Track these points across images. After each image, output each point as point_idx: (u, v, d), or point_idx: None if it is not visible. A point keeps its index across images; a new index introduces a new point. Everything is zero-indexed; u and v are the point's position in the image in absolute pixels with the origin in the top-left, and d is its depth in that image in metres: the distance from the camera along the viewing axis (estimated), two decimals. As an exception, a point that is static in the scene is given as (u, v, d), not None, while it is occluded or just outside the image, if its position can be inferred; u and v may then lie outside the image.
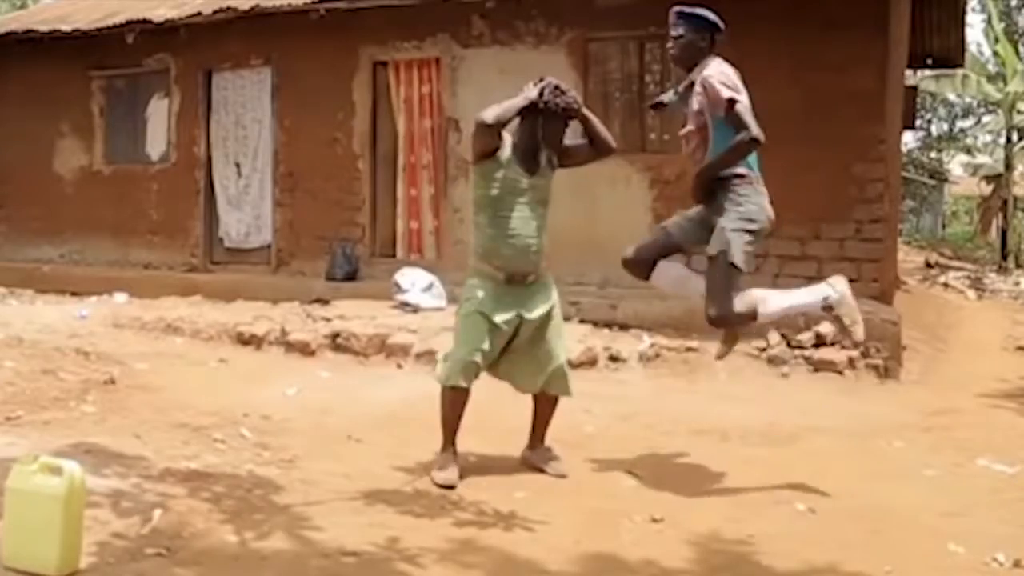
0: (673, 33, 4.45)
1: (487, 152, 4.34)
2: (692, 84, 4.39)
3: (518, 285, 4.39)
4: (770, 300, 4.41)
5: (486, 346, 4.34)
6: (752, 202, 4.27)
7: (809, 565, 3.44)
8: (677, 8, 4.49)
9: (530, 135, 4.37)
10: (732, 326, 4.49)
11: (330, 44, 9.60)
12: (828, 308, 4.37)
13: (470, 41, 9.12)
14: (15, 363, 6.31)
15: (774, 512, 4.02)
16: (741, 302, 4.30)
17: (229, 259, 10.50)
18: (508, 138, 4.39)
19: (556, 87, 4.35)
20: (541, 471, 4.51)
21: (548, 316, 4.47)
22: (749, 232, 4.26)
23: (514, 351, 4.47)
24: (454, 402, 4.44)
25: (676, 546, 3.61)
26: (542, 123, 4.34)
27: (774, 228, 4.47)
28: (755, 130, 4.16)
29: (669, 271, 4.61)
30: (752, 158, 4.32)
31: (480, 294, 4.38)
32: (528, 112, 4.33)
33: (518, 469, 4.54)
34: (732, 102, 4.18)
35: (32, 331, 7.77)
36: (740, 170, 4.27)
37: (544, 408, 4.61)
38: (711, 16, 4.44)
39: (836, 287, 4.37)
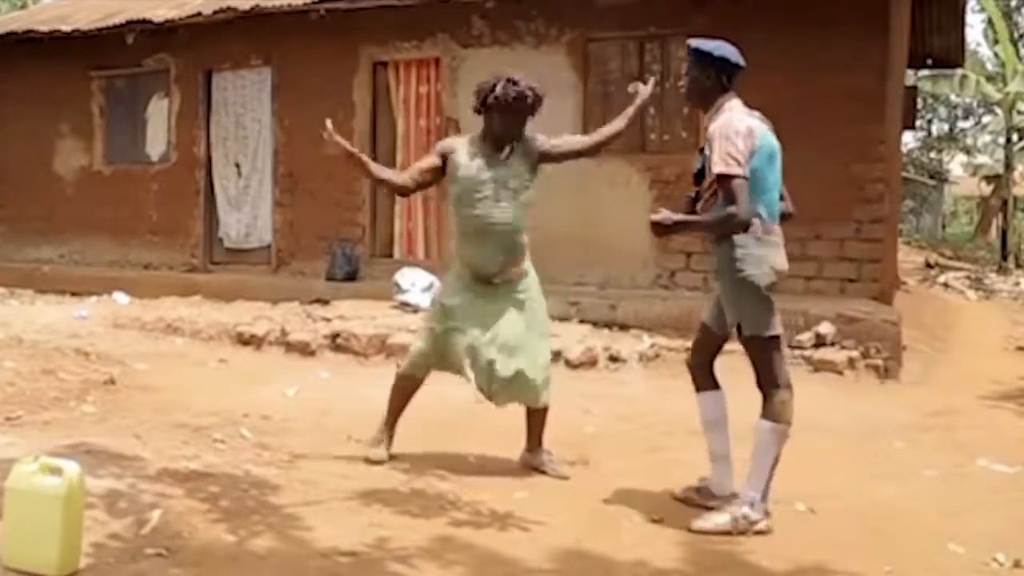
0: (684, 69, 4.07)
1: (436, 170, 4.52)
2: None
3: (484, 285, 4.46)
4: (772, 446, 3.90)
5: (442, 340, 4.45)
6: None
7: (808, 565, 3.44)
8: (688, 41, 4.08)
9: (489, 133, 4.48)
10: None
11: (330, 44, 9.60)
12: (744, 501, 3.81)
13: (470, 41, 9.12)
14: (15, 363, 6.31)
15: (774, 512, 4.01)
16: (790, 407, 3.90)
17: (229, 259, 10.51)
18: (460, 142, 4.55)
19: (509, 80, 4.41)
20: (543, 473, 4.52)
21: (521, 325, 4.45)
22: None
23: (489, 357, 4.42)
24: (399, 387, 4.64)
25: (676, 546, 3.61)
26: (496, 117, 4.43)
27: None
28: (744, 210, 3.74)
29: (709, 406, 4.19)
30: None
31: (450, 293, 4.53)
32: (484, 107, 4.44)
33: (517, 470, 4.54)
34: (720, 177, 3.76)
35: (32, 331, 7.77)
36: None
37: (535, 412, 4.60)
38: (718, 51, 3.92)
39: (759, 511, 3.78)
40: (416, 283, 8.37)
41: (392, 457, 4.60)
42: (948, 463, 4.80)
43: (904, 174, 18.87)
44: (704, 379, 4.23)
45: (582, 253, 8.54)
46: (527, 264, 4.61)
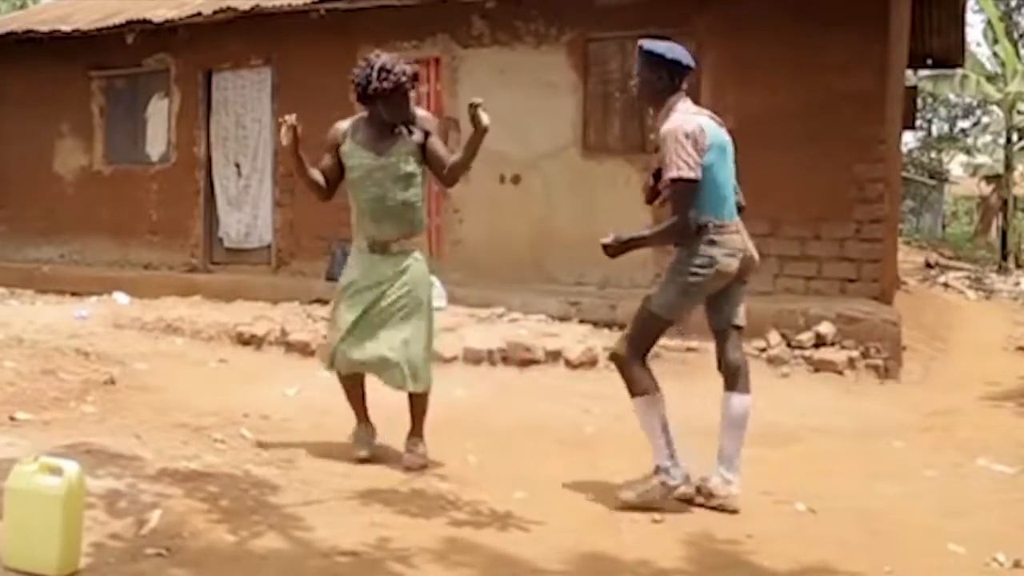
0: (635, 69, 4.14)
1: (334, 163, 4.60)
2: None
3: (381, 254, 4.53)
4: (650, 415, 4.05)
5: (351, 326, 4.53)
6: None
7: (809, 565, 3.44)
8: (639, 42, 4.13)
9: (375, 118, 4.52)
10: (623, 374, 4.11)
11: (330, 44, 9.60)
12: (658, 471, 4.03)
13: (470, 41, 9.12)
14: (15, 363, 6.31)
15: (774, 512, 4.02)
16: (644, 376, 4.05)
17: (229, 259, 10.50)
18: (346, 128, 4.58)
19: (382, 69, 4.39)
20: (408, 468, 4.51)
21: (407, 299, 4.53)
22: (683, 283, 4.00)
23: (377, 330, 4.52)
24: (344, 389, 4.70)
25: (676, 546, 3.60)
26: (381, 106, 4.45)
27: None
28: (685, 218, 3.89)
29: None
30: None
31: (349, 270, 4.64)
32: (365, 99, 4.45)
33: (518, 469, 4.54)
34: (673, 180, 3.89)
35: (32, 331, 7.77)
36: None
37: (415, 397, 4.64)
38: (671, 53, 4.00)
39: (676, 475, 4.00)
40: (416, 283, 8.35)
41: (375, 457, 4.60)
42: (948, 463, 4.80)
43: (904, 174, 18.88)
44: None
45: (582, 253, 8.51)
46: (421, 239, 4.69)
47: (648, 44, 4.06)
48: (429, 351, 4.64)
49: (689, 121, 3.93)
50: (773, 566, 3.43)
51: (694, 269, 3.96)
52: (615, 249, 4.08)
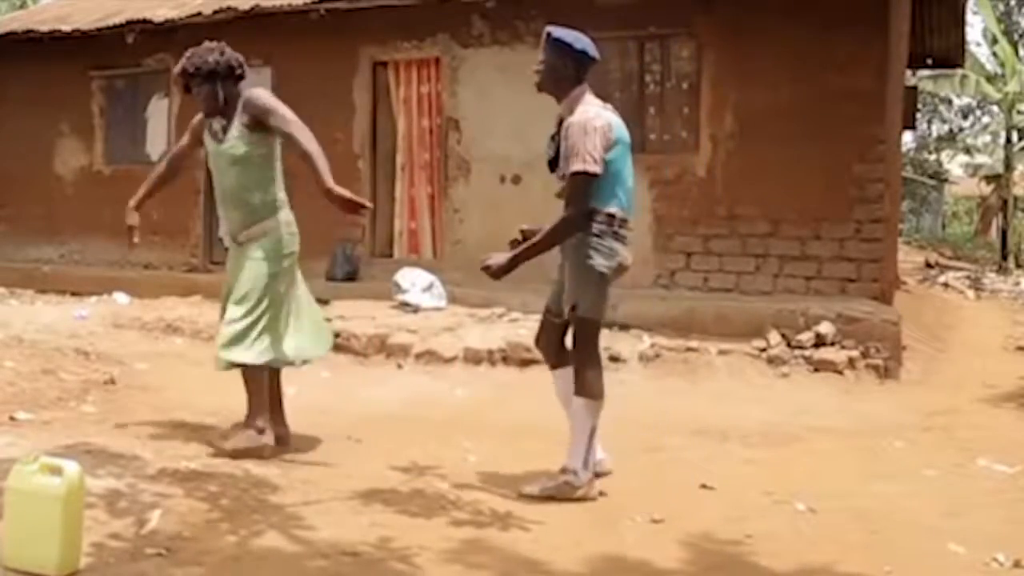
0: (539, 56, 4.14)
1: (189, 141, 4.85)
2: (562, 120, 4.06)
3: (234, 244, 4.65)
4: (590, 420, 4.04)
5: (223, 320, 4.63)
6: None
7: (809, 565, 3.44)
8: (547, 29, 4.14)
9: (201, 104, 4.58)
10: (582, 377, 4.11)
11: (330, 44, 9.60)
12: (565, 471, 4.04)
13: (470, 41, 9.12)
14: (15, 363, 6.31)
15: (774, 512, 4.02)
16: (600, 381, 4.08)
17: (229, 259, 10.49)
18: (201, 118, 4.66)
19: (188, 57, 4.46)
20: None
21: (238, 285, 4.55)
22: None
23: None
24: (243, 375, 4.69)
25: (677, 546, 3.60)
26: (195, 92, 4.51)
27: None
28: (581, 211, 3.94)
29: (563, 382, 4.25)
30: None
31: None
32: (187, 83, 4.52)
33: (518, 469, 4.53)
34: (576, 173, 3.90)
35: (32, 331, 7.76)
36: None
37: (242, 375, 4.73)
38: (578, 43, 4.06)
39: (582, 479, 4.01)
40: (416, 283, 8.36)
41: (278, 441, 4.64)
42: (948, 463, 4.80)
43: (904, 174, 18.88)
44: (556, 357, 4.34)
45: (582, 253, 8.53)
46: (271, 225, 4.63)
47: (556, 32, 4.09)
48: (242, 327, 4.58)
49: (600, 115, 3.97)
50: (773, 566, 3.43)
51: (600, 263, 4.01)
52: (497, 271, 4.15)
